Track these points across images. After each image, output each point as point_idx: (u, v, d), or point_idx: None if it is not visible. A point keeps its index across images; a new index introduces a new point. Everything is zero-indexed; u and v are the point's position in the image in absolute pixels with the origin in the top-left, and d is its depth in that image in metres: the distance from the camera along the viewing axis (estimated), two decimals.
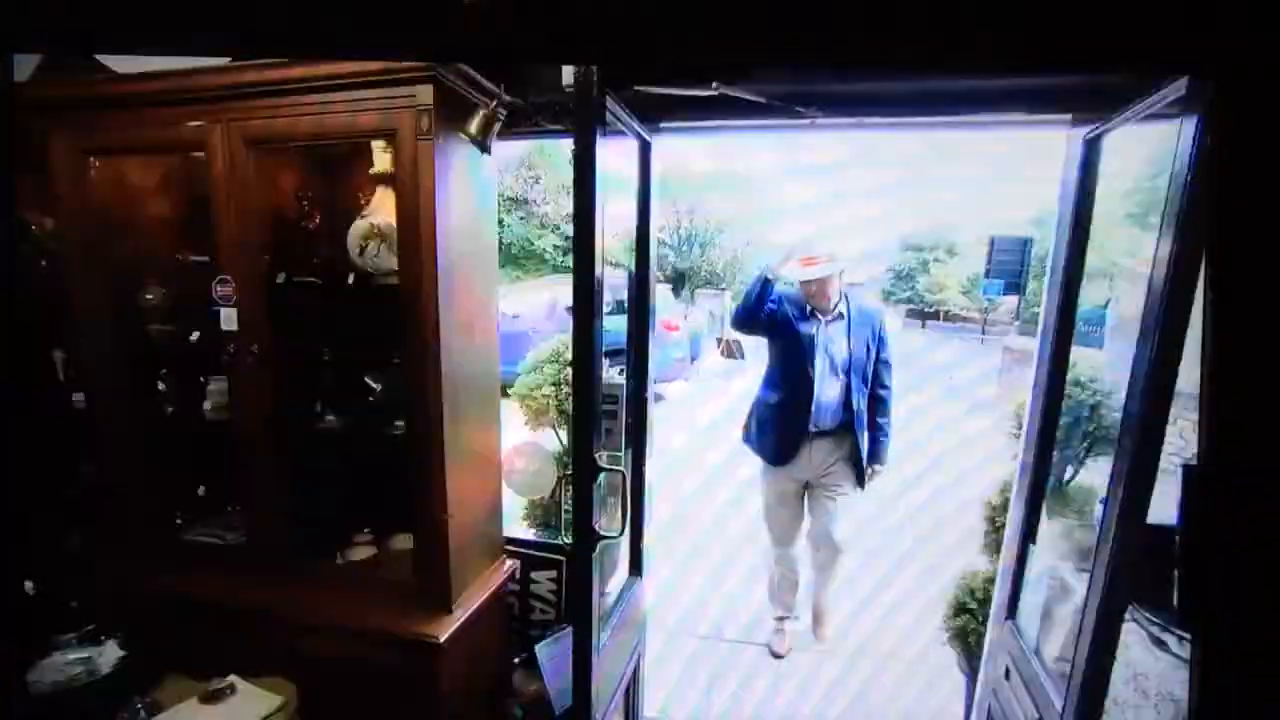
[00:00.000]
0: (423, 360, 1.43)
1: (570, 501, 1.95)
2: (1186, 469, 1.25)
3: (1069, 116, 1.49)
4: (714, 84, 1.59)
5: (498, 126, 1.47)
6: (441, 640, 1.41)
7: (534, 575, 1.81)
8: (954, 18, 0.66)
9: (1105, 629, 1.19)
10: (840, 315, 2.35)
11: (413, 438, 1.47)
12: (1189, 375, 1.83)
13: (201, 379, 1.73)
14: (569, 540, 1.82)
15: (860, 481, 2.40)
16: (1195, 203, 1.01)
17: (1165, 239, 1.07)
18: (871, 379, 2.39)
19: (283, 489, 1.60)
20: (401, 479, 1.51)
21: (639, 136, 1.66)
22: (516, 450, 1.89)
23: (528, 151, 10.70)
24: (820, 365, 2.30)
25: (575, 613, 1.40)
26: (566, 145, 1.40)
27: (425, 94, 1.36)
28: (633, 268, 1.78)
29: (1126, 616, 1.30)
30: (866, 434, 2.37)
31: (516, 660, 1.70)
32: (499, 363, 1.67)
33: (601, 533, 1.32)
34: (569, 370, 2.06)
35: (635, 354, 1.83)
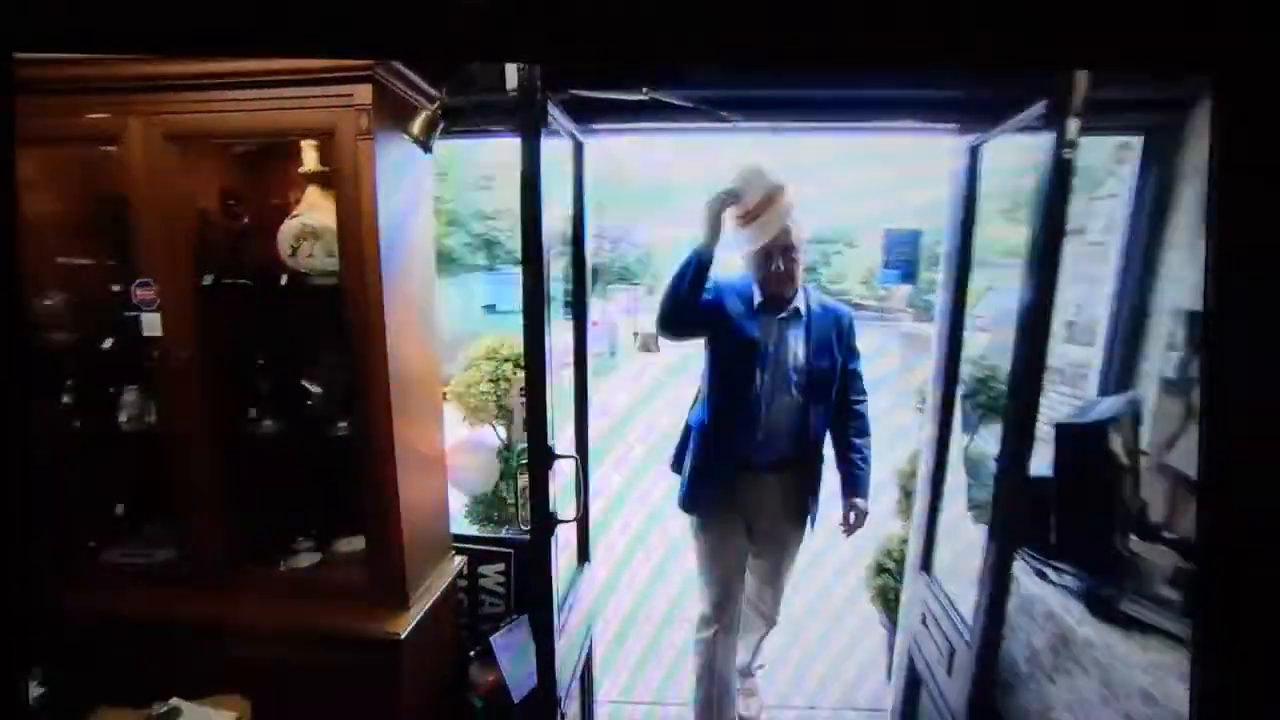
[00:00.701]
0: (369, 361, 1.43)
1: (514, 494, 2.00)
2: (1058, 428, 1.47)
3: (957, 126, 1.69)
4: (644, 89, 1.69)
5: (440, 127, 1.49)
6: (402, 636, 1.42)
7: (481, 570, 1.83)
8: (954, 18, 0.65)
9: (1000, 569, 1.39)
10: (798, 313, 1.74)
11: (360, 438, 1.46)
12: (1059, 351, 2.11)
13: (113, 389, 1.63)
14: (517, 532, 1.86)
15: (804, 528, 1.85)
16: (1053, 202, 1.20)
17: (1031, 232, 1.27)
18: (840, 395, 1.78)
19: (217, 498, 1.54)
20: (346, 481, 1.50)
21: (573, 137, 1.73)
22: (458, 447, 1.90)
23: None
24: (769, 378, 1.72)
25: (535, 598, 1.45)
26: (479, 144, 1.43)
27: (364, 93, 1.36)
28: (570, 264, 1.84)
29: (1017, 556, 1.51)
30: (841, 464, 1.83)
31: (472, 654, 1.72)
32: (441, 361, 1.68)
33: (559, 517, 1.38)
34: (506, 366, 2.09)
35: (575, 346, 1.90)
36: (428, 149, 1.50)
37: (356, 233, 1.40)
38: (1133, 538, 1.57)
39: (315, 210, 1.53)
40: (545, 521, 1.35)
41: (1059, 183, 1.19)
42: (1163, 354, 1.78)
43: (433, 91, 1.51)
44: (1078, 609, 1.36)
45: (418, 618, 1.49)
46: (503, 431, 2.07)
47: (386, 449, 1.45)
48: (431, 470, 1.69)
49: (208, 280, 1.51)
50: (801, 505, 1.79)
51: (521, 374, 2.03)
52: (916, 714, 1.90)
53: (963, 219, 1.73)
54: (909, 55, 0.71)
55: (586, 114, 1.72)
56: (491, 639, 1.64)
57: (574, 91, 1.62)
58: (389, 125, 1.43)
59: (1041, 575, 1.50)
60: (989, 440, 2.17)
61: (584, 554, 1.82)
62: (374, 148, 1.38)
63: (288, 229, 1.53)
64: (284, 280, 1.53)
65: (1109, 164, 1.90)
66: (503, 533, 1.92)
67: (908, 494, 2.24)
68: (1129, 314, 1.85)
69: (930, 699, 1.72)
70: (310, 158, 1.56)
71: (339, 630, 1.45)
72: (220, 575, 1.54)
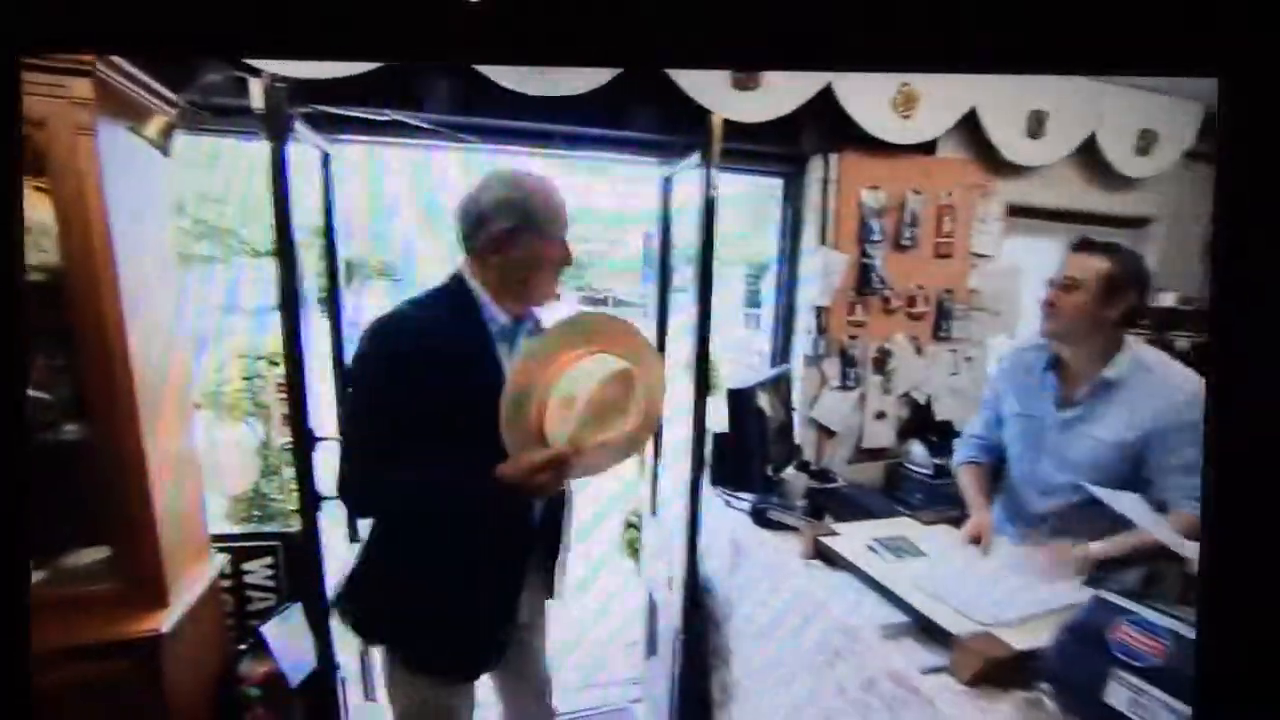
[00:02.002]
0: (107, 362, 1.41)
1: (279, 490, 2.02)
2: (730, 392, 1.97)
3: (655, 160, 2.15)
4: (386, 111, 1.86)
5: (177, 131, 1.50)
6: (164, 630, 1.43)
7: (247, 566, 1.84)
8: (955, 19, 0.66)
9: (695, 501, 1.85)
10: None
11: (102, 442, 1.42)
12: (727, 331, 2.72)
13: None
14: (284, 526, 1.90)
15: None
16: (706, 227, 1.64)
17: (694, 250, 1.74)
18: None
19: None
20: (81, 488, 1.44)
21: (319, 148, 1.82)
22: (213, 447, 1.87)
23: None
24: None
25: (309, 580, 1.56)
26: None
27: (83, 88, 1.35)
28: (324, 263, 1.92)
29: (714, 493, 2.01)
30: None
31: (242, 648, 1.74)
32: (191, 360, 1.67)
33: (324, 494, 1.51)
34: (260, 364, 2.09)
35: (332, 344, 1.98)
36: (165, 152, 1.49)
37: (82, 229, 1.37)
38: (789, 470, 2.18)
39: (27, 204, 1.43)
40: (312, 502, 1.48)
41: (707, 215, 1.66)
42: (805, 338, 2.46)
43: (170, 95, 1.51)
44: (745, 521, 1.87)
45: (177, 616, 1.50)
46: (261, 428, 2.06)
47: (134, 452, 1.44)
48: (183, 471, 1.67)
49: None
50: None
51: (276, 370, 2.06)
52: (656, 633, 2.35)
53: (662, 237, 2.20)
54: (909, 56, 0.70)
55: (335, 128, 1.83)
56: (261, 629, 1.69)
57: (317, 107, 1.73)
58: (117, 122, 1.42)
59: (728, 504, 2.01)
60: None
61: (354, 534, 1.93)
62: (96, 143, 1.36)
63: None
64: None
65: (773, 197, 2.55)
66: (268, 528, 1.93)
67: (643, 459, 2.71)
68: (785, 309, 2.52)
69: (662, 613, 2.18)
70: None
71: (97, 639, 1.40)
72: None
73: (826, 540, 1.58)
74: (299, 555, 1.84)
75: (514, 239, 1.16)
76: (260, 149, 1.90)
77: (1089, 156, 2.66)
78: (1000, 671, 1.08)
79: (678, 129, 2.01)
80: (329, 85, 1.71)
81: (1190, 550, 1.12)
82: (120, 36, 0.69)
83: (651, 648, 2.30)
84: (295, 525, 1.93)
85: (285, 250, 1.42)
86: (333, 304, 1.85)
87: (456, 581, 1.19)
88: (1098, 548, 1.36)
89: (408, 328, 1.13)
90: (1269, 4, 0.64)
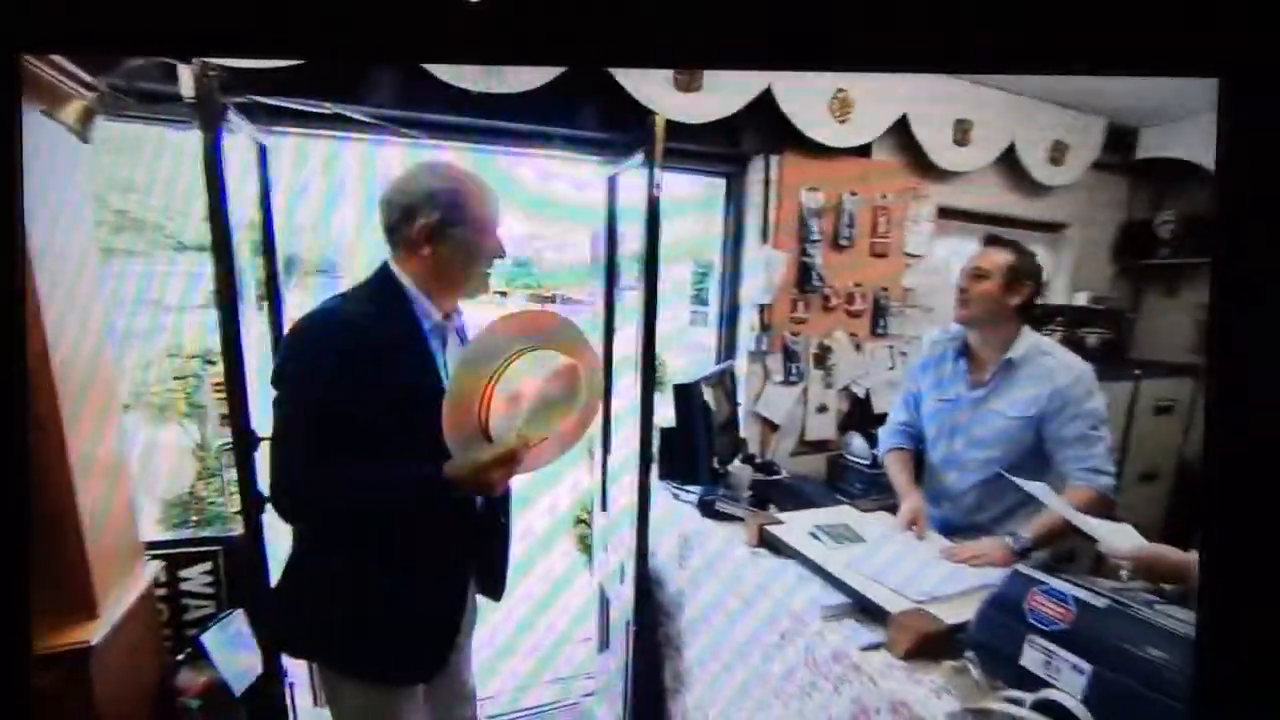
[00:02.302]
0: (19, 362, 1.32)
1: (219, 491, 1.94)
2: (676, 387, 2.02)
3: (600, 159, 2.18)
4: (328, 104, 1.82)
5: (99, 118, 1.42)
6: (94, 642, 1.36)
7: (183, 574, 1.77)
8: (955, 19, 0.66)
9: (646, 495, 1.90)
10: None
11: (14, 451, 1.34)
12: (674, 328, 2.77)
13: None
14: (222, 530, 1.84)
15: None
16: (651, 224, 1.68)
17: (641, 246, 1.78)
18: None
19: None
20: None
21: (254, 139, 1.75)
22: (144, 449, 1.78)
23: None
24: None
25: (251, 585, 1.51)
26: None
27: None
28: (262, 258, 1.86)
29: (662, 487, 2.06)
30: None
31: (180, 658, 1.67)
32: (114, 360, 1.59)
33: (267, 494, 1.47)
34: (192, 362, 2.00)
35: (273, 338, 1.92)
36: (85, 139, 1.42)
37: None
38: (734, 463, 2.25)
39: None
40: (254, 504, 1.44)
41: (651, 213, 1.70)
42: (748, 334, 2.54)
43: (91, 80, 1.43)
44: (694, 514, 1.93)
45: (108, 628, 1.43)
46: (195, 429, 1.97)
47: (55, 456, 1.36)
48: (111, 475, 1.59)
49: None
50: None
51: (212, 369, 1.98)
52: (609, 627, 2.39)
53: (608, 235, 2.23)
54: (910, 56, 0.70)
55: (274, 119, 1.77)
56: (200, 638, 1.62)
57: (253, 98, 1.68)
58: (34, 107, 1.33)
59: (676, 497, 2.06)
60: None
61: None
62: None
63: None
64: None
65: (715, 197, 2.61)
66: (206, 532, 1.86)
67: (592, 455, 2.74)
68: (729, 306, 2.59)
69: (615, 607, 2.22)
70: None
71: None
72: None
73: (771, 529, 1.65)
74: (240, 560, 1.78)
75: (445, 230, 1.15)
76: (187, 138, 1.84)
77: (1010, 164, 2.85)
78: (932, 644, 1.17)
79: (621, 128, 2.04)
80: (265, 75, 1.65)
81: (1092, 526, 1.24)
82: (121, 36, 0.68)
83: (604, 641, 2.33)
84: (235, 529, 1.87)
85: (222, 245, 1.38)
86: (273, 300, 1.79)
87: (405, 584, 1.17)
88: (1024, 541, 1.47)
89: (339, 325, 1.09)
90: (1269, 4, 0.64)
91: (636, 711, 1.96)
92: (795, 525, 1.68)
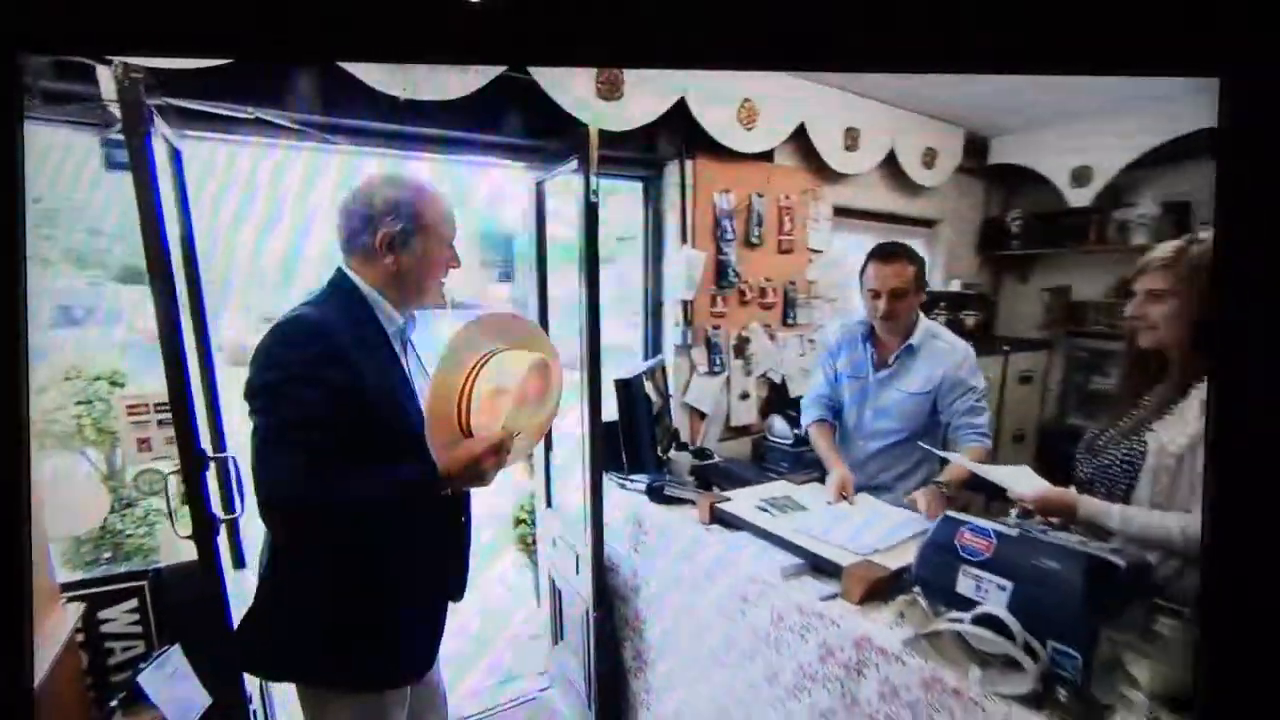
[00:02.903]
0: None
1: (130, 524, 1.79)
2: (616, 382, 2.11)
3: (524, 165, 2.23)
4: (249, 109, 1.75)
5: None
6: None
7: (103, 615, 1.61)
8: (955, 19, 0.66)
9: (596, 487, 1.96)
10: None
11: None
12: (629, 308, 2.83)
13: None
14: (146, 564, 1.70)
15: None
16: (589, 229, 1.76)
17: (579, 250, 1.86)
18: None
19: None
20: None
21: (168, 143, 1.65)
22: (47, 482, 1.60)
23: None
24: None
25: (206, 607, 1.42)
26: None
27: None
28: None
29: (608, 478, 2.13)
30: None
31: (114, 704, 1.53)
32: (25, 385, 1.43)
33: (221, 517, 1.41)
34: (97, 385, 1.83)
35: (198, 348, 1.80)
36: None
37: None
38: (673, 451, 2.37)
39: None
40: (208, 524, 1.36)
41: (590, 216, 1.78)
42: (674, 329, 2.68)
43: None
44: (642, 501, 2.02)
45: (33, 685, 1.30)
46: (101, 457, 1.80)
47: None
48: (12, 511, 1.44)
49: None
50: None
51: (120, 390, 1.83)
52: (563, 618, 2.41)
53: (536, 234, 2.28)
54: (911, 56, 0.70)
55: (191, 123, 1.67)
56: (140, 678, 1.50)
57: (169, 100, 1.58)
58: None
59: (623, 486, 2.15)
60: None
61: (238, 560, 1.78)
62: None
63: None
64: None
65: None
66: (127, 567, 1.70)
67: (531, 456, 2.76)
68: (654, 303, 2.71)
69: (569, 597, 2.27)
70: None
71: None
72: None
73: (723, 506, 1.79)
74: (171, 593, 1.65)
75: (407, 240, 1.18)
76: (79, 140, 1.70)
77: (891, 168, 3.19)
78: (882, 587, 1.34)
79: (548, 135, 2.11)
80: (183, 76, 1.56)
81: (999, 476, 1.46)
82: (121, 37, 0.67)
83: (558, 634, 2.37)
84: (160, 560, 1.74)
85: (158, 259, 1.30)
86: (198, 314, 1.69)
87: (394, 586, 1.20)
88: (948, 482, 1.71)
89: (313, 331, 1.10)
90: (1269, 5, 0.64)
91: (601, 695, 2.02)
92: (742, 501, 1.82)
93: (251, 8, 0.66)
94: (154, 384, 1.76)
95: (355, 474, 1.06)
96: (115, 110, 1.41)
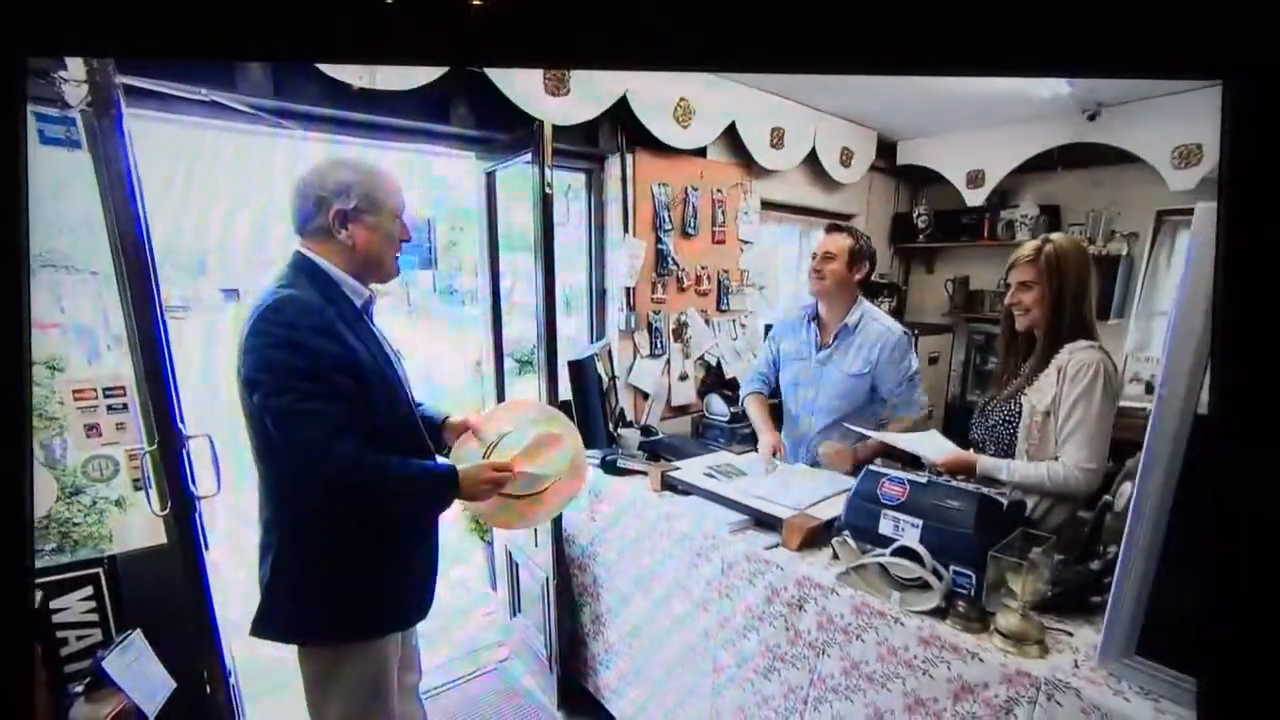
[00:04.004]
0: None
1: (78, 513, 1.75)
2: (571, 363, 2.23)
3: (473, 155, 2.31)
4: (203, 90, 1.74)
5: None
6: None
7: (55, 604, 1.58)
8: (957, 19, 0.65)
9: None
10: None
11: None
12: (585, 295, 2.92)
13: None
14: (98, 551, 1.68)
15: None
16: (544, 221, 1.87)
17: (533, 240, 1.97)
18: None
19: None
20: None
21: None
22: None
23: None
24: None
25: (188, 581, 1.45)
26: None
27: None
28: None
29: None
30: None
31: (78, 689, 1.51)
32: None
33: (199, 494, 1.44)
34: (34, 370, 1.77)
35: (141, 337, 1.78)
36: None
37: None
38: (622, 428, 2.52)
39: None
40: (188, 504, 1.39)
41: (544, 207, 1.90)
42: (616, 315, 2.82)
43: None
44: (597, 472, 2.16)
45: None
46: (39, 446, 1.74)
47: None
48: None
49: None
50: None
51: (62, 375, 1.77)
52: (520, 591, 2.51)
53: (487, 224, 2.36)
54: (912, 56, 0.71)
55: (139, 100, 1.65)
56: (104, 663, 1.49)
57: (125, 81, 1.56)
58: None
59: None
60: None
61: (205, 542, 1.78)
62: None
63: None
64: None
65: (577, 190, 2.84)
66: (79, 555, 1.67)
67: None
68: (598, 291, 2.85)
69: (527, 570, 2.38)
70: None
71: None
72: None
73: (673, 474, 1.96)
74: (127, 579, 1.65)
75: (361, 217, 1.25)
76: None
77: (813, 165, 3.45)
78: (816, 534, 1.55)
79: (495, 126, 2.20)
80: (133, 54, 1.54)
81: (913, 444, 1.69)
82: (126, 39, 0.66)
83: (516, 606, 2.48)
84: (111, 549, 1.72)
85: (131, 240, 1.32)
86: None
87: (408, 542, 1.36)
88: (863, 452, 1.93)
89: (302, 307, 1.16)
90: (1270, 5, 0.64)
91: (563, 658, 2.16)
92: (690, 469, 2.00)
93: (252, 7, 0.66)
94: (96, 369, 1.73)
95: (396, 461, 1.23)
96: (68, 89, 1.41)
